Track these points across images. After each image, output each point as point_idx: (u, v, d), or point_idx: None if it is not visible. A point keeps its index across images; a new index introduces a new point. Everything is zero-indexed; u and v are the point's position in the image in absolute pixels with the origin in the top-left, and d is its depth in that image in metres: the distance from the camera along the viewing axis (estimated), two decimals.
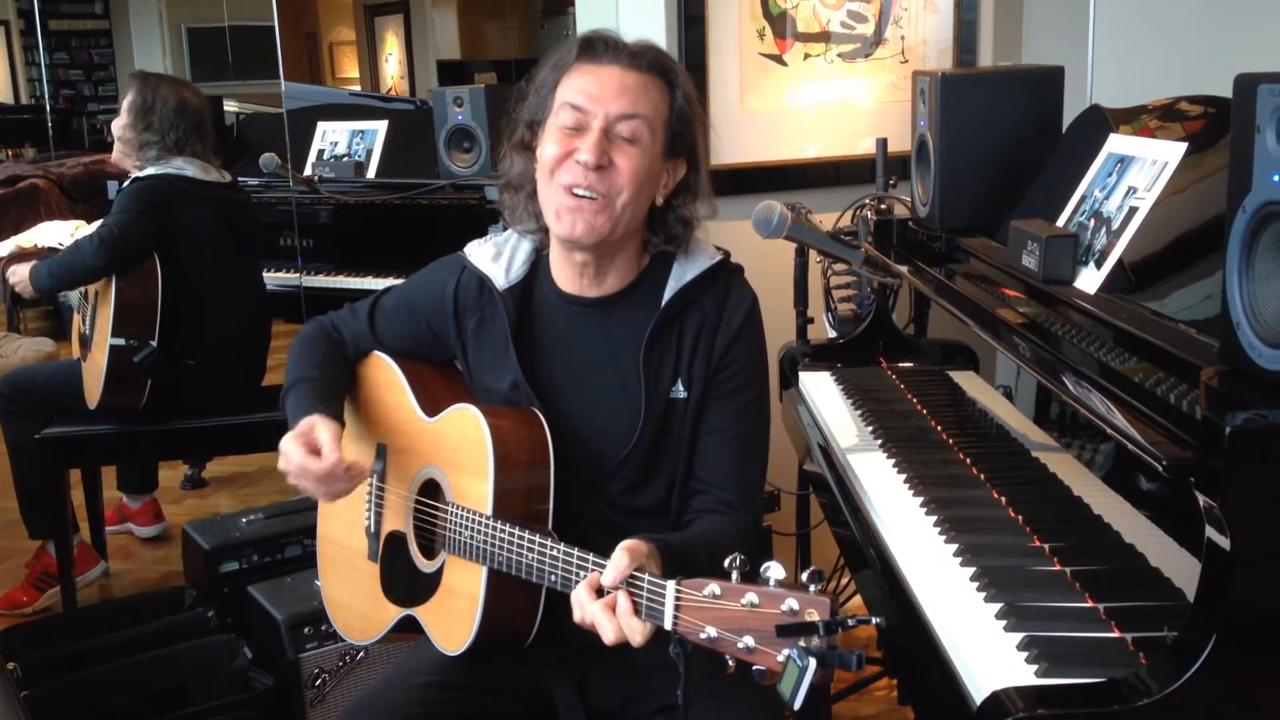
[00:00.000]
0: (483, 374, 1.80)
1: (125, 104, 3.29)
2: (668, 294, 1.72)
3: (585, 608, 1.43)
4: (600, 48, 1.67)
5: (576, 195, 1.63)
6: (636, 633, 1.39)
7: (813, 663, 1.21)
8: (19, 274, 3.28)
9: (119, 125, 3.30)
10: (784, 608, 1.26)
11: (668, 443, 1.72)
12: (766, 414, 1.78)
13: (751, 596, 1.28)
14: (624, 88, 1.64)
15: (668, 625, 1.35)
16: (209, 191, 3.30)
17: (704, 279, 1.73)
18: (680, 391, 1.72)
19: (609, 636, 1.40)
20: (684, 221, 1.74)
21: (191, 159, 3.28)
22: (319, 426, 1.71)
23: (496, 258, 1.80)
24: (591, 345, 1.75)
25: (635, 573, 1.40)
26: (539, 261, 1.80)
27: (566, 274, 1.75)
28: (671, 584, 1.35)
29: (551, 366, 1.76)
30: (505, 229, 1.85)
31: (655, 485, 1.74)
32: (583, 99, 1.64)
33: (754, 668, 1.28)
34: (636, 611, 1.39)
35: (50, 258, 3.22)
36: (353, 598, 1.90)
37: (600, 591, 1.43)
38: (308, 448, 1.69)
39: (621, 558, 1.41)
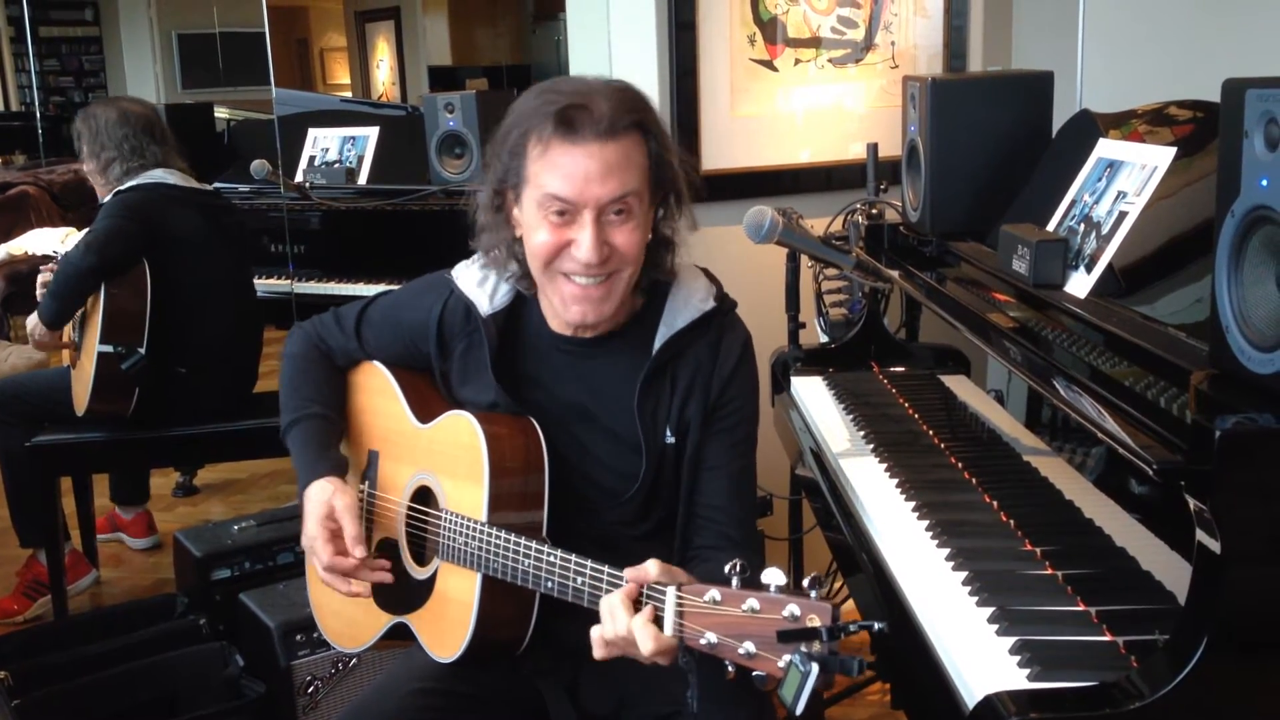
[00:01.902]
0: (465, 391, 1.79)
1: (81, 143, 3.32)
2: (658, 342, 1.70)
3: (619, 620, 1.39)
4: (576, 124, 1.54)
5: (581, 283, 1.60)
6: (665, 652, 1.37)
7: (815, 668, 1.21)
8: (31, 322, 3.27)
9: (83, 164, 3.34)
10: (785, 613, 1.26)
11: (662, 485, 1.72)
12: (755, 450, 1.78)
13: (752, 602, 1.28)
14: (608, 169, 1.55)
15: (669, 631, 1.35)
16: (193, 197, 3.31)
17: (695, 326, 1.71)
18: (669, 438, 1.71)
19: (648, 647, 1.36)
20: (665, 242, 1.71)
21: (169, 170, 3.28)
22: (341, 510, 1.70)
23: (482, 283, 1.77)
24: (577, 382, 1.74)
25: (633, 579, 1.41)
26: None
27: (558, 321, 1.73)
28: (672, 589, 1.35)
29: (534, 394, 1.75)
30: None
31: (652, 519, 1.74)
32: (567, 189, 1.55)
33: (754, 673, 1.28)
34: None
35: (48, 286, 3.21)
36: (342, 604, 1.89)
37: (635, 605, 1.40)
38: (331, 534, 1.70)
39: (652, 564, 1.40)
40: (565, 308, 1.64)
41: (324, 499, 1.72)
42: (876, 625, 1.33)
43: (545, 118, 1.56)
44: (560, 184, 1.56)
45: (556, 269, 1.62)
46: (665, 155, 1.64)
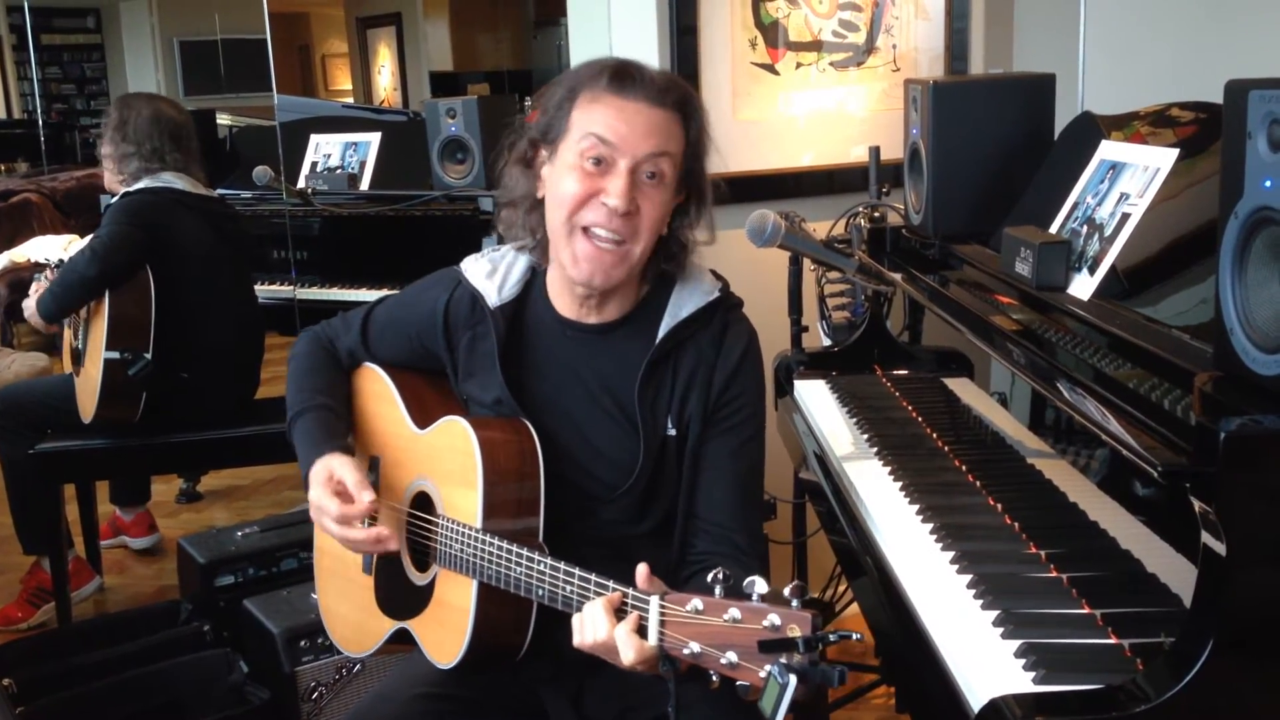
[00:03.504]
0: (470, 386, 1.79)
1: (105, 126, 3.33)
2: (662, 329, 1.70)
3: (601, 627, 1.40)
4: (629, 80, 1.61)
5: (598, 242, 1.60)
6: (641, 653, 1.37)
7: (793, 679, 1.20)
8: (29, 308, 3.29)
9: (103, 148, 3.33)
10: (766, 623, 1.25)
11: (662, 479, 1.72)
12: (763, 452, 1.77)
13: (734, 612, 1.27)
14: (652, 127, 1.60)
15: (652, 640, 1.34)
16: (199, 203, 3.32)
17: (700, 315, 1.71)
18: (669, 429, 1.70)
19: (630, 656, 1.37)
20: (681, 243, 1.72)
21: (179, 174, 3.29)
22: (338, 468, 1.70)
23: (491, 274, 1.78)
24: (583, 371, 1.74)
25: (617, 586, 1.41)
26: (534, 279, 1.78)
27: (566, 300, 1.74)
28: (655, 598, 1.34)
29: (540, 387, 1.75)
30: (499, 242, 1.84)
31: (651, 517, 1.73)
32: (610, 134, 1.59)
33: (737, 684, 1.27)
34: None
35: (50, 283, 3.22)
36: (348, 610, 1.89)
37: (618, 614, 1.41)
38: (340, 495, 1.68)
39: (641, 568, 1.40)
40: (575, 265, 1.63)
41: (325, 468, 1.71)
42: (855, 635, 1.32)
43: (600, 73, 1.63)
44: (604, 128, 1.60)
45: (578, 222, 1.61)
46: (699, 149, 1.68)
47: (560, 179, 1.63)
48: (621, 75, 1.62)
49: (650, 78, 1.63)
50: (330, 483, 1.69)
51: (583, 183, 1.60)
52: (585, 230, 1.61)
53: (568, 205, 1.61)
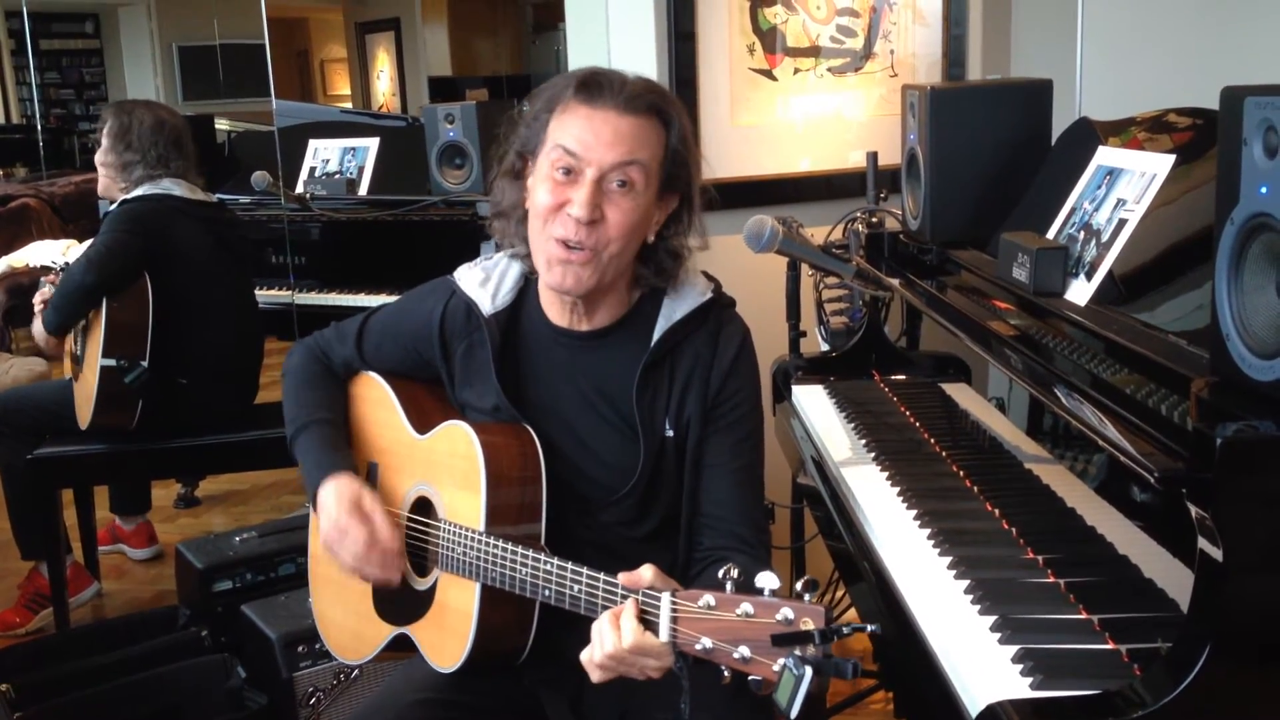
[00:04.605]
0: (467, 394, 1.80)
1: (104, 133, 3.32)
2: (658, 332, 1.71)
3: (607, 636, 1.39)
4: (596, 89, 1.62)
5: (568, 246, 1.62)
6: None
7: (809, 671, 1.21)
8: (37, 331, 3.29)
9: (100, 155, 3.32)
10: (779, 617, 1.26)
11: (662, 481, 1.72)
12: (762, 449, 1.78)
13: (746, 606, 1.28)
14: (618, 135, 1.60)
15: (664, 637, 1.35)
16: (199, 210, 3.31)
17: (694, 316, 1.72)
18: (668, 430, 1.71)
19: (642, 649, 1.37)
20: (673, 254, 1.73)
21: (178, 180, 3.29)
22: (365, 499, 1.72)
23: (484, 283, 1.79)
24: (579, 378, 1.74)
25: (627, 587, 1.41)
26: (527, 287, 1.79)
27: (556, 308, 1.75)
28: (666, 595, 1.35)
29: (537, 393, 1.75)
30: (497, 248, 1.85)
31: (651, 518, 1.73)
32: (576, 145, 1.60)
33: (750, 678, 1.28)
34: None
35: (51, 296, 3.22)
36: (344, 616, 1.89)
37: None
38: (364, 521, 1.71)
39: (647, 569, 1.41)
40: (549, 269, 1.65)
41: (350, 491, 1.73)
42: (869, 627, 1.33)
43: (570, 82, 1.64)
44: (571, 140, 1.61)
45: (550, 231, 1.63)
46: (683, 153, 1.67)
47: (536, 190, 1.65)
48: (589, 84, 1.62)
49: (620, 84, 1.62)
50: (358, 510, 1.72)
51: (553, 193, 1.62)
52: (559, 241, 1.62)
53: (540, 215, 1.64)
